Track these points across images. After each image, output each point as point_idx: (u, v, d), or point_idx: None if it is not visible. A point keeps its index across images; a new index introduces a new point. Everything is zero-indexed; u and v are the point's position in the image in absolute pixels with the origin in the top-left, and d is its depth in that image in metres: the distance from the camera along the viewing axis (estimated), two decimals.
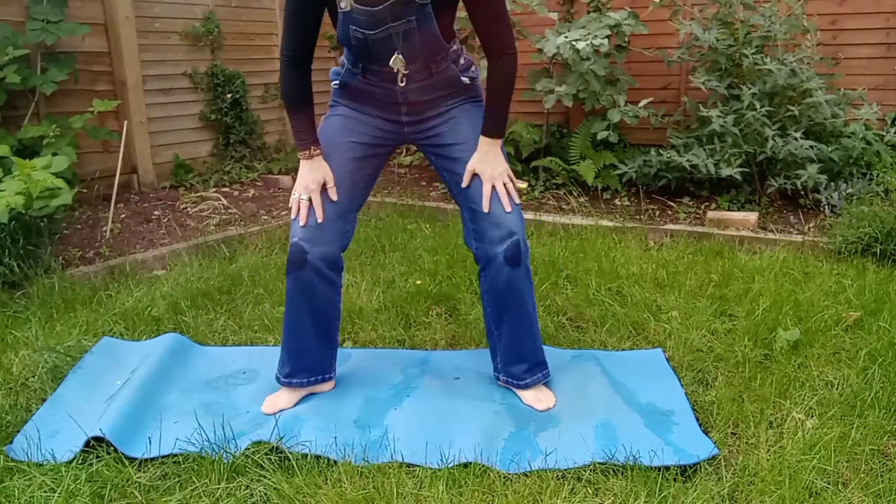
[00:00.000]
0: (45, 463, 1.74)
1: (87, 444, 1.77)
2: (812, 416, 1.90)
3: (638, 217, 3.82)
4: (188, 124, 4.83)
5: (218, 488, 1.64)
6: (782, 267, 2.96)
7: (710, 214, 3.64)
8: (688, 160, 3.74)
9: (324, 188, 1.91)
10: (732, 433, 1.86)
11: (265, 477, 1.67)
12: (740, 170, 3.66)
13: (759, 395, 2.01)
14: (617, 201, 4.14)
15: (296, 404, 2.01)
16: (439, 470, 1.69)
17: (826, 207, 3.65)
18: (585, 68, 3.97)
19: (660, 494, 1.59)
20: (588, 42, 3.81)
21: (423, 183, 4.81)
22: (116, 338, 2.45)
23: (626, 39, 4.17)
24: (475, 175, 1.91)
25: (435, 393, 2.07)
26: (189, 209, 4.18)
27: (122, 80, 4.35)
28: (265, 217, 4.09)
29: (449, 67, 1.90)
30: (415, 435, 1.83)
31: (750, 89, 3.62)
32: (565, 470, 1.70)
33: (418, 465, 1.72)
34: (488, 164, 1.89)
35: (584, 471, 1.69)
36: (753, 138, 3.70)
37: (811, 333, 2.33)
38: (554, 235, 3.56)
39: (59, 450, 1.78)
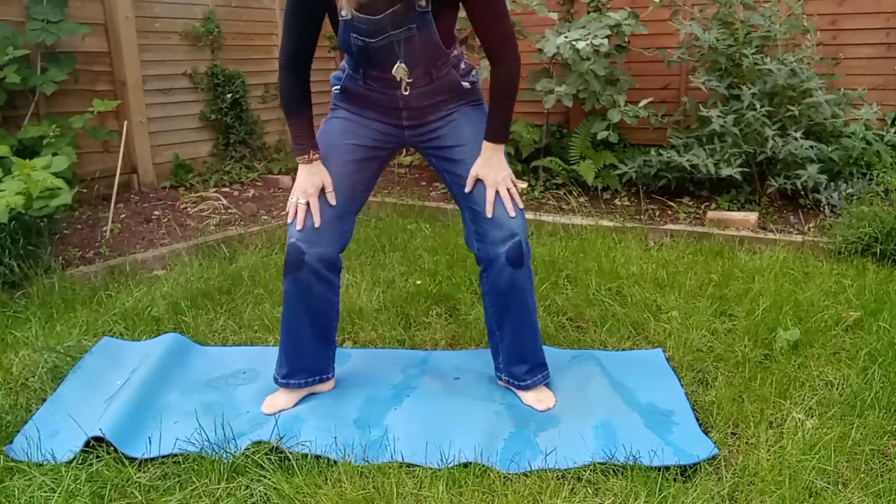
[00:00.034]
0: (45, 463, 1.74)
1: (87, 444, 1.77)
2: (812, 416, 1.90)
3: (638, 217, 3.82)
4: (188, 124, 4.83)
5: (218, 488, 1.64)
6: (782, 267, 2.96)
7: (710, 214, 3.65)
8: (688, 160, 3.74)
9: (322, 192, 1.91)
10: (732, 433, 1.86)
11: (265, 477, 1.67)
12: (740, 170, 3.66)
13: (759, 395, 2.01)
14: (617, 201, 4.14)
15: (296, 404, 2.01)
16: (439, 470, 1.69)
17: (826, 207, 3.65)
18: (585, 68, 3.97)
19: (660, 494, 1.59)
20: (588, 42, 3.81)
21: (423, 183, 4.81)
22: (116, 338, 2.45)
23: (626, 39, 4.17)
24: (478, 180, 1.91)
25: (435, 393, 2.07)
26: (189, 209, 4.18)
27: (122, 80, 4.35)
28: (265, 217, 4.09)
29: (450, 73, 1.91)
30: (415, 435, 1.83)
31: (750, 89, 3.62)
32: (565, 470, 1.70)
33: (418, 465, 1.72)
34: (491, 169, 1.89)
35: (584, 471, 1.69)
36: (753, 138, 3.70)
37: (811, 333, 2.33)
38: (554, 235, 3.56)
39: (59, 450, 1.78)
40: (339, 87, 1.97)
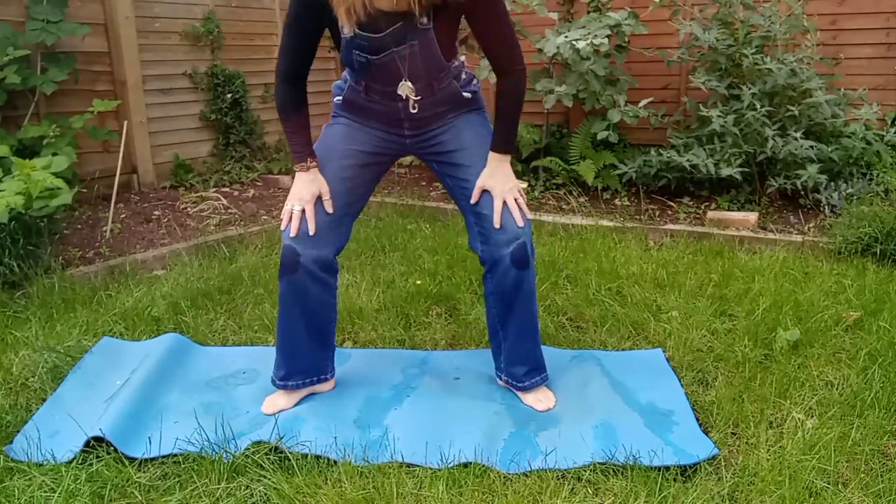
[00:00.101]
0: (45, 463, 1.74)
1: (87, 444, 1.77)
2: (812, 416, 1.90)
3: (638, 217, 3.82)
4: (188, 124, 4.83)
5: (218, 488, 1.64)
6: (782, 267, 2.96)
7: (710, 214, 3.65)
8: (688, 160, 3.74)
9: (318, 199, 1.90)
10: (732, 433, 1.86)
11: (265, 477, 1.67)
12: (740, 170, 3.66)
13: (759, 395, 2.01)
14: (617, 201, 4.14)
15: (296, 404, 2.01)
16: (439, 470, 1.69)
17: (826, 207, 3.65)
18: (585, 68, 3.97)
19: (660, 494, 1.59)
20: (588, 42, 3.81)
21: (423, 183, 4.81)
22: (116, 338, 2.45)
23: (626, 39, 4.17)
24: (484, 190, 1.90)
25: (435, 393, 2.07)
26: (189, 209, 4.18)
27: (122, 80, 4.35)
28: (265, 217, 4.09)
29: (451, 84, 1.91)
30: (415, 435, 1.83)
31: (750, 89, 3.62)
32: (565, 470, 1.70)
33: (418, 465, 1.72)
34: (498, 179, 1.89)
35: (584, 471, 1.69)
36: (753, 138, 3.70)
37: (811, 333, 2.33)
38: (554, 235, 3.56)
39: (59, 450, 1.78)
40: (340, 97, 1.97)
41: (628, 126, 4.21)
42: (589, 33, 3.90)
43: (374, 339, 2.46)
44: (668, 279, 2.88)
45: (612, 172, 4.23)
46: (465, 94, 1.95)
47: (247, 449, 1.75)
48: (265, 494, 1.63)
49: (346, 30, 1.73)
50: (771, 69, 3.61)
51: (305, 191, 1.89)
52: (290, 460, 1.72)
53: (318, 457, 1.74)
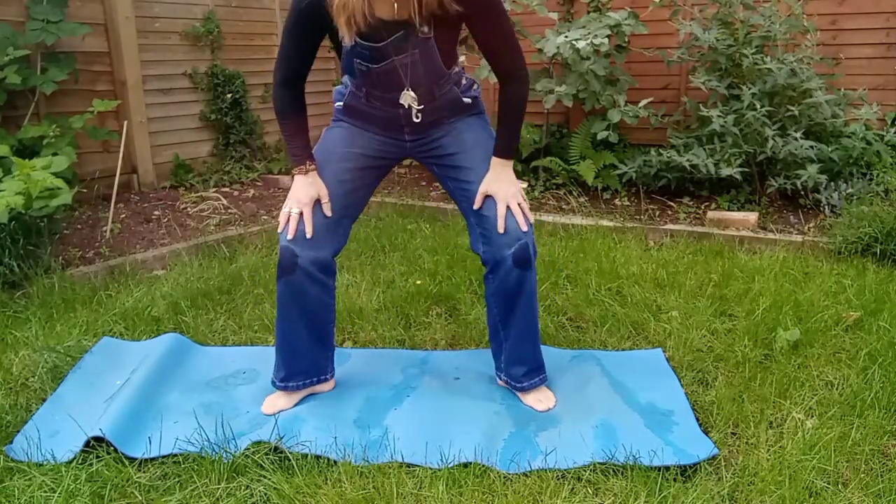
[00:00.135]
0: (45, 463, 1.74)
1: (87, 444, 1.77)
2: (812, 416, 1.90)
3: (638, 217, 3.82)
4: (188, 124, 4.83)
5: (218, 488, 1.64)
6: (782, 267, 2.96)
7: (710, 214, 3.65)
8: (688, 160, 3.74)
9: (317, 202, 1.89)
10: (732, 433, 1.86)
11: (265, 477, 1.67)
12: (740, 170, 3.66)
13: (759, 395, 2.01)
14: (617, 201, 4.14)
15: (296, 405, 2.01)
16: (439, 470, 1.69)
17: (826, 207, 3.65)
18: (585, 68, 3.97)
19: (660, 494, 1.59)
20: (588, 42, 3.81)
21: (423, 183, 4.81)
22: (116, 338, 2.45)
23: (626, 39, 4.17)
24: (488, 196, 1.90)
25: (435, 393, 2.07)
26: (189, 209, 4.18)
27: (122, 80, 4.35)
28: (265, 217, 4.09)
29: (451, 90, 1.91)
30: (415, 435, 1.83)
31: (750, 89, 3.62)
32: (565, 470, 1.70)
33: (418, 465, 1.72)
34: (501, 184, 1.89)
35: (584, 471, 1.69)
36: (753, 138, 3.70)
37: (811, 333, 2.33)
38: (554, 235, 3.56)
39: (59, 450, 1.78)
40: (341, 102, 1.97)
41: (628, 126, 4.21)
42: (589, 33, 3.90)
43: (374, 339, 2.46)
44: (668, 279, 2.88)
45: (612, 172, 4.23)
46: (465, 99, 1.95)
47: (247, 449, 1.75)
48: (265, 494, 1.63)
49: (347, 39, 1.73)
50: (771, 69, 3.62)
51: (304, 193, 1.88)
52: (290, 460, 1.72)
53: (318, 457, 1.74)
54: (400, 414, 1.96)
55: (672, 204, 4.02)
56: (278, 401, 2.00)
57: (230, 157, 5.02)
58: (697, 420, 1.90)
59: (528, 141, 4.38)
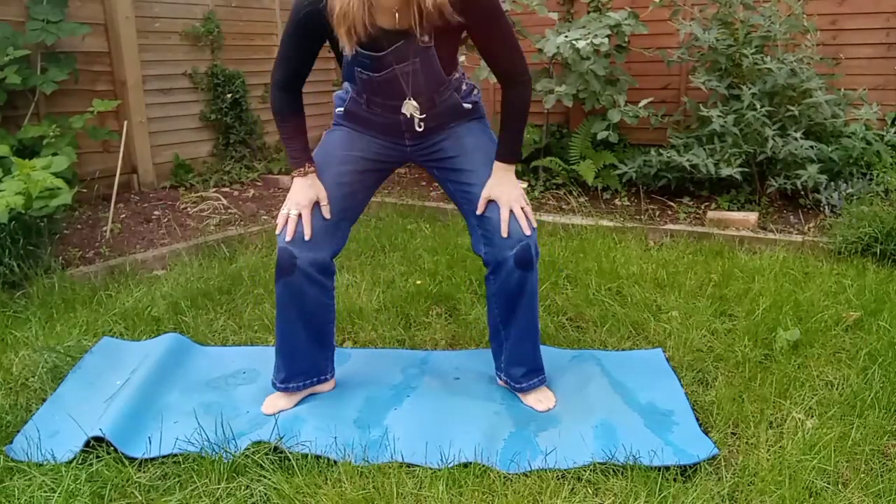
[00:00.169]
0: (45, 463, 1.74)
1: (87, 444, 1.77)
2: (812, 416, 1.90)
3: (638, 217, 3.82)
4: (188, 124, 4.84)
5: (218, 488, 1.64)
6: (782, 267, 2.96)
7: (710, 214, 3.65)
8: (688, 160, 3.74)
9: (316, 204, 1.89)
10: (732, 433, 1.86)
11: (265, 477, 1.67)
12: (740, 170, 3.66)
13: (759, 395, 2.01)
14: (617, 201, 4.14)
15: (296, 405, 2.01)
16: (439, 470, 1.69)
17: (826, 207, 3.65)
18: (585, 68, 3.97)
19: (660, 494, 1.59)
20: (588, 42, 3.81)
21: (423, 183, 4.81)
22: (116, 338, 2.45)
23: (626, 39, 4.17)
24: (490, 200, 1.90)
25: (435, 393, 2.07)
26: (189, 209, 4.18)
27: (122, 80, 4.35)
28: (265, 217, 4.09)
29: (451, 96, 1.91)
30: (415, 435, 1.83)
31: (750, 89, 3.62)
32: (565, 470, 1.70)
33: (418, 465, 1.72)
34: (504, 188, 1.89)
35: (584, 471, 1.69)
36: (753, 138, 3.70)
37: (811, 333, 2.33)
38: (554, 235, 3.56)
39: (59, 450, 1.78)
40: (342, 108, 1.97)
41: (628, 126, 4.21)
42: (589, 33, 3.90)
43: (374, 339, 2.46)
44: (668, 279, 2.88)
45: (612, 172, 4.23)
46: (465, 105, 1.95)
47: (247, 449, 1.75)
48: (265, 494, 1.63)
49: (348, 49, 1.73)
50: (771, 69, 3.62)
51: (303, 196, 1.88)
52: (290, 460, 1.72)
53: (318, 457, 1.74)
54: (400, 414, 1.96)
55: (672, 204, 4.02)
56: (278, 401, 2.00)
57: (230, 157, 5.02)
58: (697, 420, 1.90)
59: (528, 141, 4.38)
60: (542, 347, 2.07)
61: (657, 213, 3.90)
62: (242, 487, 1.64)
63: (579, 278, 2.89)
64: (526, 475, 1.69)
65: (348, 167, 1.94)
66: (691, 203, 4.01)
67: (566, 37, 3.89)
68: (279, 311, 1.95)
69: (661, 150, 3.92)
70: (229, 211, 4.18)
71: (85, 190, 4.08)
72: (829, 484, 1.62)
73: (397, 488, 1.62)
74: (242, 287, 2.88)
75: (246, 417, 1.95)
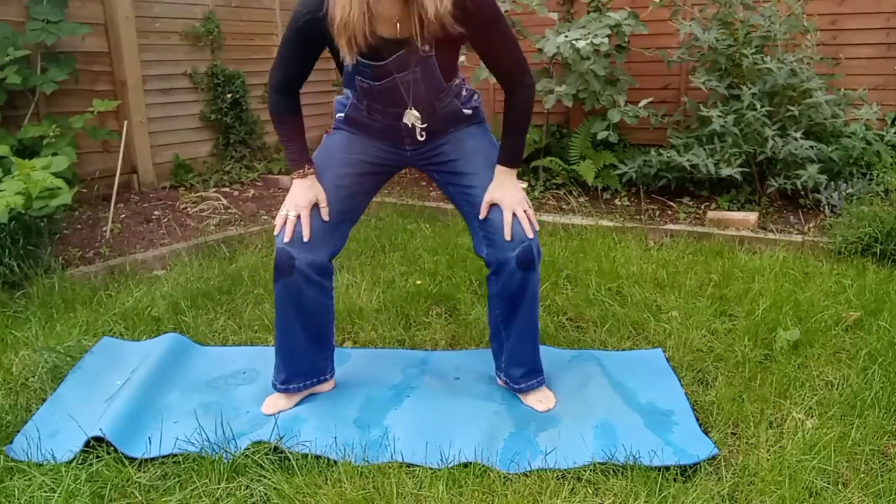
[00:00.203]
0: (45, 463, 1.74)
1: (87, 444, 1.77)
2: (812, 416, 1.90)
3: (638, 217, 3.82)
4: (188, 124, 4.84)
5: (218, 488, 1.64)
6: (782, 267, 2.96)
7: (710, 214, 3.65)
8: (688, 160, 3.74)
9: (315, 206, 1.89)
10: (732, 433, 1.86)
11: (265, 477, 1.67)
12: (740, 170, 3.66)
13: (759, 395, 2.01)
14: (617, 201, 4.14)
15: (296, 405, 2.01)
16: (439, 470, 1.69)
17: (826, 207, 3.65)
18: (585, 68, 3.97)
19: (660, 494, 1.59)
20: (588, 41, 3.81)
21: (423, 183, 4.81)
22: (116, 338, 2.45)
23: (626, 39, 4.17)
24: (493, 204, 1.89)
25: (435, 393, 2.07)
26: (189, 209, 4.18)
27: (122, 80, 4.35)
28: (265, 217, 4.09)
29: (452, 103, 1.91)
30: (415, 435, 1.83)
31: (750, 89, 3.62)
32: (565, 470, 1.70)
33: (418, 465, 1.72)
34: (506, 192, 1.89)
35: (584, 471, 1.69)
36: (753, 138, 3.70)
37: (811, 333, 2.33)
38: (554, 235, 3.56)
39: (59, 450, 1.78)
40: (342, 114, 1.97)
41: (628, 126, 4.21)
42: (589, 33, 3.90)
43: (374, 339, 2.46)
44: (668, 279, 2.88)
45: (612, 172, 4.23)
46: (465, 111, 1.95)
47: (247, 449, 1.75)
48: (265, 494, 1.63)
49: (348, 59, 1.72)
50: (771, 69, 3.62)
51: (302, 197, 1.88)
52: (290, 460, 1.72)
53: (318, 457, 1.74)
54: (400, 414, 1.96)
55: (672, 204, 4.02)
56: (278, 401, 2.00)
57: (230, 157, 5.02)
58: (697, 420, 1.90)
59: (529, 141, 4.37)
60: (542, 347, 2.08)
61: (657, 213, 3.90)
62: (242, 487, 1.65)
63: (579, 278, 2.89)
64: (526, 475, 1.69)
65: (348, 170, 1.94)
66: (691, 203, 4.01)
67: (566, 37, 3.89)
68: (278, 311, 1.95)
69: (661, 150, 3.92)
70: (229, 211, 4.18)
71: (85, 190, 4.08)
72: (829, 484, 1.62)
73: (397, 488, 1.62)
74: (242, 287, 2.88)
75: (246, 417, 1.95)
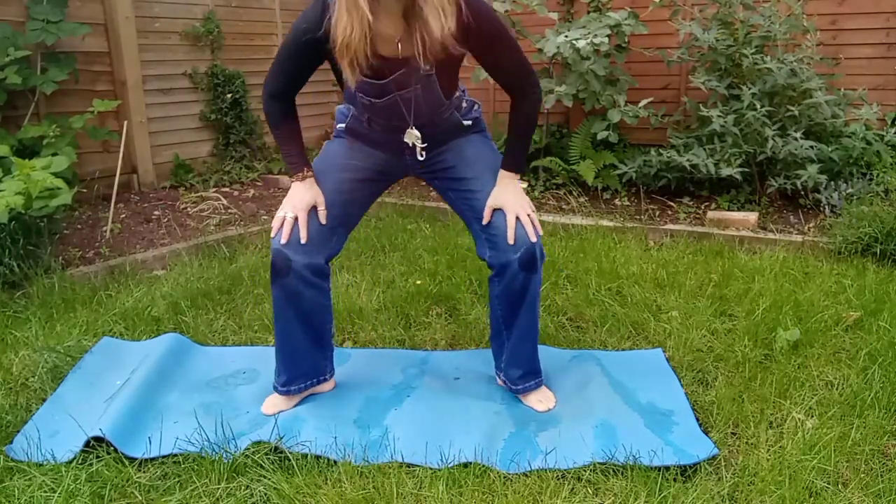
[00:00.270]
0: (45, 463, 1.74)
1: (87, 444, 1.77)
2: (812, 416, 1.90)
3: (638, 217, 3.82)
4: (188, 124, 4.83)
5: (218, 488, 1.64)
6: (782, 267, 2.96)
7: (710, 214, 3.65)
8: (688, 160, 3.74)
9: (313, 209, 1.89)
10: (732, 433, 1.86)
11: (265, 477, 1.67)
12: (740, 170, 3.66)
13: (759, 395, 2.01)
14: (617, 201, 4.14)
15: (296, 405, 2.01)
16: (439, 470, 1.69)
17: (826, 207, 3.65)
18: (585, 68, 3.97)
19: (660, 494, 1.59)
20: (588, 41, 3.81)
21: (423, 183, 4.79)
22: (116, 338, 2.45)
23: (626, 39, 4.17)
24: (496, 209, 1.89)
25: (435, 393, 2.07)
26: (189, 209, 4.18)
27: (122, 80, 4.35)
28: (265, 217, 4.09)
29: (452, 115, 1.92)
30: (415, 435, 1.83)
31: (750, 89, 3.62)
32: (565, 470, 1.70)
33: (418, 465, 1.72)
34: (509, 196, 1.89)
35: (584, 471, 1.69)
36: (753, 138, 3.70)
37: (811, 333, 2.34)
38: (554, 235, 3.56)
39: (59, 450, 1.78)
40: (343, 124, 1.97)
41: (628, 126, 4.21)
42: (589, 33, 3.90)
43: (374, 339, 2.46)
44: (668, 279, 2.88)
45: (612, 172, 4.23)
46: (465, 122, 1.96)
47: (247, 449, 1.75)
48: (265, 494, 1.63)
49: (351, 81, 1.72)
50: (771, 69, 3.62)
51: (300, 199, 1.88)
52: (290, 460, 1.72)
53: (318, 457, 1.74)
54: (400, 414, 1.96)
55: (672, 204, 4.02)
56: (278, 401, 2.00)
57: (230, 157, 5.02)
58: (697, 420, 1.90)
59: None
60: (542, 347, 2.08)
61: (657, 213, 3.90)
62: (242, 487, 1.65)
63: (579, 278, 2.89)
64: (526, 475, 1.69)
65: (348, 175, 1.94)
66: (691, 203, 4.01)
67: (566, 37, 3.89)
68: (276, 313, 1.94)
69: (661, 150, 3.92)
70: (229, 211, 4.18)
71: (85, 190, 4.08)
72: (829, 484, 1.62)
73: (397, 488, 1.62)
74: (242, 287, 2.88)
75: (246, 417, 1.95)
